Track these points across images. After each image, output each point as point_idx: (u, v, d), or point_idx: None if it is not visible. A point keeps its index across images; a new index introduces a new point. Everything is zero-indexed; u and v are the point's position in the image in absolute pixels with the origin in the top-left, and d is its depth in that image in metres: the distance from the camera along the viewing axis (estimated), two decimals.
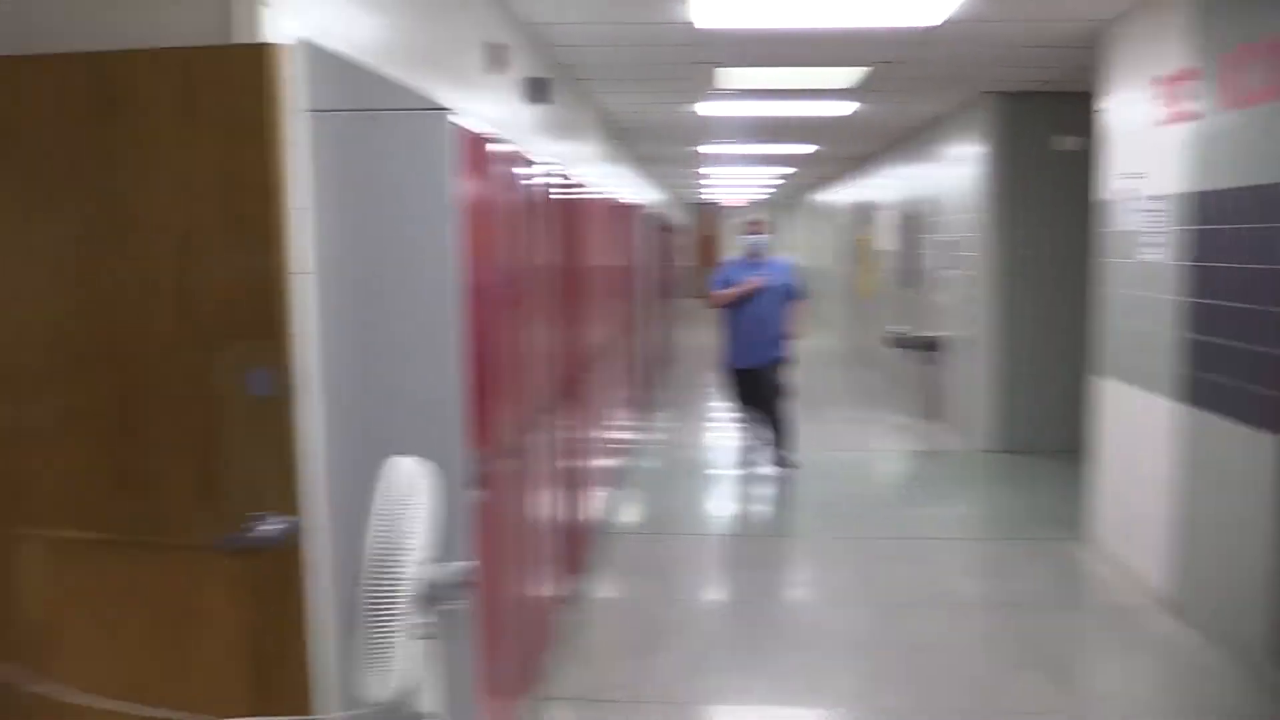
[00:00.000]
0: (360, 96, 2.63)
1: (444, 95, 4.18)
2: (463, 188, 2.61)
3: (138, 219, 2.33)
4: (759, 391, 7.39)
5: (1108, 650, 4.45)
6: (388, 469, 2.15)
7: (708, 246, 25.33)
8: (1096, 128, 5.86)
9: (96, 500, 2.37)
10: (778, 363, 7.32)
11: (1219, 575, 4.46)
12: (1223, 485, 4.42)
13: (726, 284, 7.32)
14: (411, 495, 2.13)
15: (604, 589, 5.16)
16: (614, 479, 6.62)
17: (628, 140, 11.90)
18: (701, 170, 16.71)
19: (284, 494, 2.28)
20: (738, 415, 7.84)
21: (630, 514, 6.52)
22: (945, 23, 5.66)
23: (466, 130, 2.69)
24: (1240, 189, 4.29)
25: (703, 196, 23.47)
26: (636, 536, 6.00)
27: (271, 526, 2.27)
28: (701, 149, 13.04)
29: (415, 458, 2.17)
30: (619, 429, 7.11)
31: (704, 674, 4.14)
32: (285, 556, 2.29)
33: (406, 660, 2.02)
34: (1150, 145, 5.12)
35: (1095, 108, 5.87)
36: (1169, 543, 4.92)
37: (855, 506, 6.83)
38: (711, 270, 8.77)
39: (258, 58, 2.27)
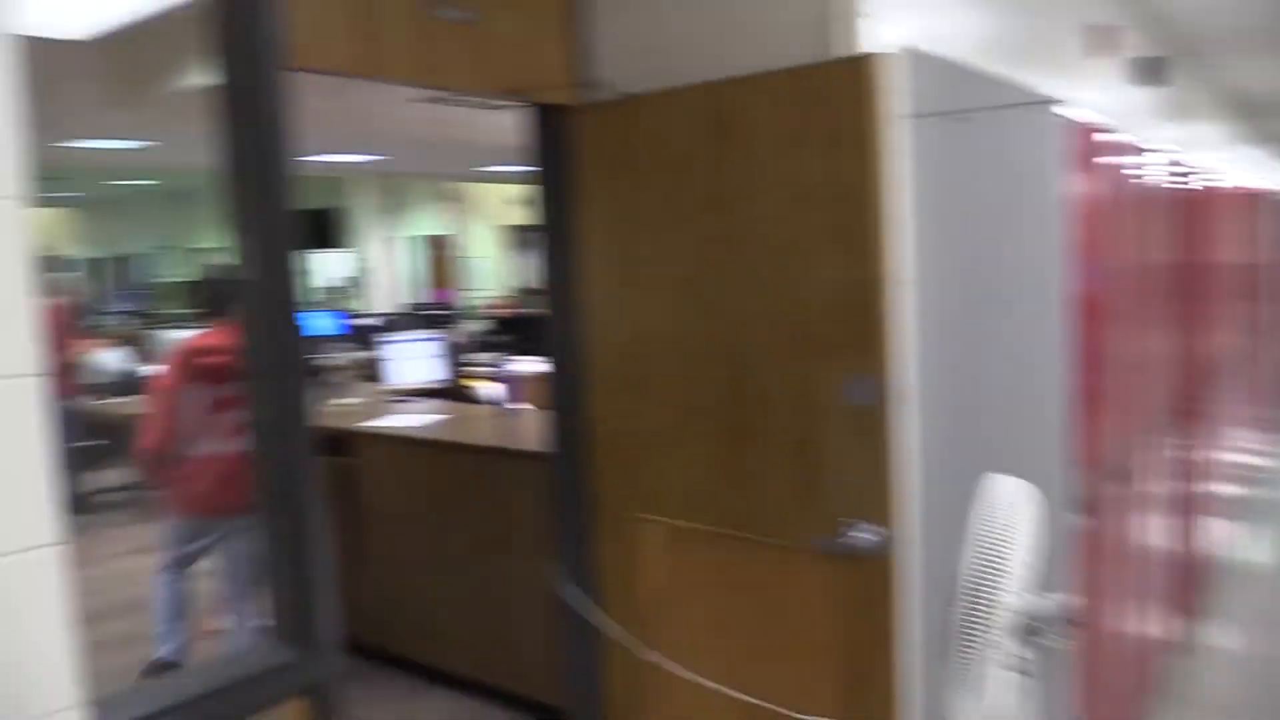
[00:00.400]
0: (959, 97, 2.54)
1: (1041, 86, 3.91)
2: (1071, 184, 2.39)
3: (748, 232, 2.49)
4: None
5: None
6: (987, 486, 2.03)
7: None
8: None
9: (709, 494, 2.58)
10: None
11: None
12: None
13: None
14: (1012, 517, 1.99)
15: (1220, 637, 4.45)
16: (1237, 510, 5.70)
17: (1257, 118, 10.24)
18: None
19: (878, 504, 2.27)
20: None
21: (1258, 552, 5.57)
22: None
23: (1073, 121, 2.47)
24: None
25: None
26: (1264, 580, 5.10)
27: (865, 535, 2.27)
28: None
29: (1016, 477, 2.03)
30: (1244, 451, 6.08)
31: None
32: (877, 567, 2.28)
33: (998, 692, 1.89)
34: None
35: None
36: None
37: None
38: None
39: (854, 69, 2.29)
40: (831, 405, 2.34)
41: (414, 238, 14.12)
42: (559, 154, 2.87)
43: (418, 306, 12.29)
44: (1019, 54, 3.64)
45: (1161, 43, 5.77)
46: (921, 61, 2.54)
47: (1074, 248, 2.39)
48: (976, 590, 1.89)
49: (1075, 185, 2.43)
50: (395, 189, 13.58)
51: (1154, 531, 3.52)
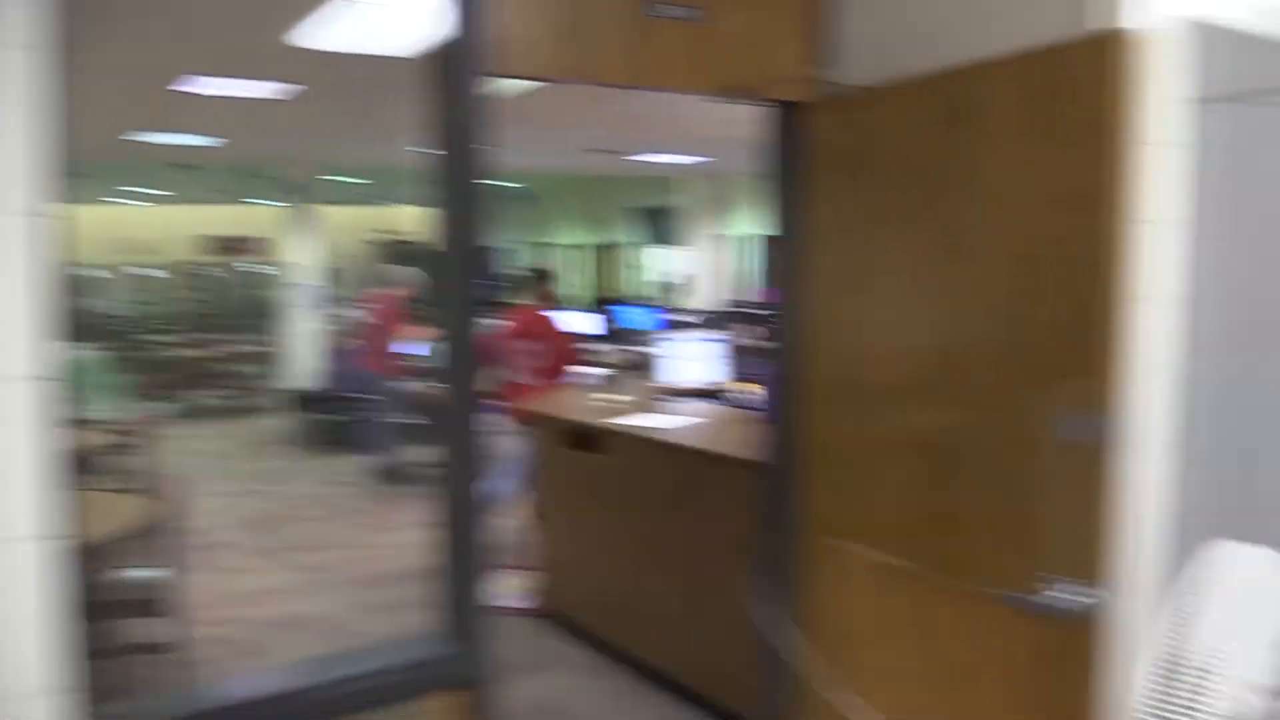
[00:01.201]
0: (1259, 77, 2.09)
1: None
2: None
3: (974, 239, 2.21)
4: None
5: None
6: (1215, 555, 1.66)
7: None
8: None
9: (910, 528, 2.34)
10: None
11: None
12: None
13: None
14: (1245, 595, 1.62)
15: None
16: None
17: None
18: None
19: (1085, 560, 1.92)
20: None
21: None
22: None
23: None
24: None
25: None
26: None
27: (1066, 595, 1.94)
28: None
29: (1256, 546, 1.64)
30: None
31: None
32: (1079, 632, 1.94)
33: None
34: None
35: None
36: None
37: None
38: None
39: (1102, 49, 1.95)
40: (1040, 441, 2.01)
41: (745, 236, 14.27)
42: (792, 153, 2.74)
43: (738, 304, 12.40)
44: None
45: None
46: (1208, 35, 2.12)
47: None
48: (1176, 679, 1.55)
49: None
50: (725, 188, 13.78)
51: None
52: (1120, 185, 1.94)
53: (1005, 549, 2.10)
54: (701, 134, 7.03)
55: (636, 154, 9.28)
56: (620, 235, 14.82)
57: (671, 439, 3.96)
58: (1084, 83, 1.96)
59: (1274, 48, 2.21)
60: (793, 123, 2.74)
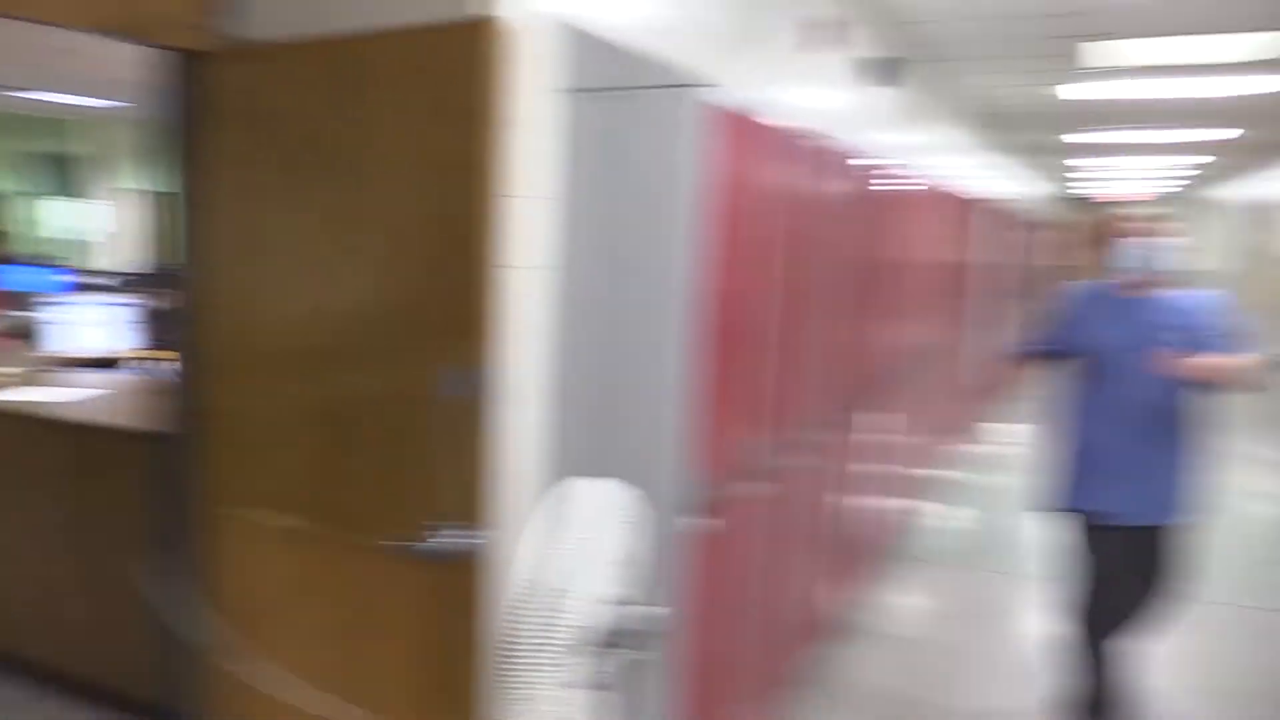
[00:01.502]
0: (609, 75, 2.41)
1: (752, 80, 3.88)
2: (712, 173, 2.30)
3: (364, 208, 2.27)
4: (1130, 583, 3.33)
5: None
6: (564, 491, 1.91)
7: (1099, 239, 22.85)
8: None
9: (312, 491, 2.37)
10: (1180, 518, 3.27)
11: None
12: None
13: (1065, 340, 3.42)
14: (595, 523, 1.88)
15: (879, 626, 4.60)
16: (910, 506, 5.94)
17: (996, 127, 10.90)
18: (1078, 161, 15.04)
19: (467, 505, 2.11)
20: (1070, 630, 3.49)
21: (927, 545, 5.81)
22: None
23: (725, 110, 2.38)
24: None
25: (1086, 189, 21.18)
26: (933, 570, 5.35)
27: (448, 539, 2.11)
28: (1078, 138, 11.66)
29: (606, 480, 1.92)
30: (927, 449, 6.20)
31: None
32: (462, 572, 2.13)
33: (557, 708, 1.77)
34: None
35: None
36: None
37: (1225, 567, 5.64)
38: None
39: (476, 34, 2.10)
40: (423, 399, 2.16)
41: (168, 192, 13.08)
42: (192, 106, 2.58)
43: (158, 265, 11.36)
44: (729, 44, 3.59)
45: (897, 44, 5.94)
46: (565, 33, 2.40)
47: (713, 240, 2.31)
48: (534, 600, 1.77)
49: (718, 176, 2.34)
50: (144, 136, 12.51)
51: (807, 529, 3.55)
52: (492, 161, 2.11)
53: (396, 501, 2.22)
54: (111, 75, 6.30)
55: (22, 90, 8.07)
56: (8, 184, 12.73)
57: (60, 414, 3.55)
58: (460, 63, 2.10)
59: (617, 51, 2.55)
60: (193, 74, 2.57)
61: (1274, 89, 7.69)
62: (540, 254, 2.33)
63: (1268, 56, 6.47)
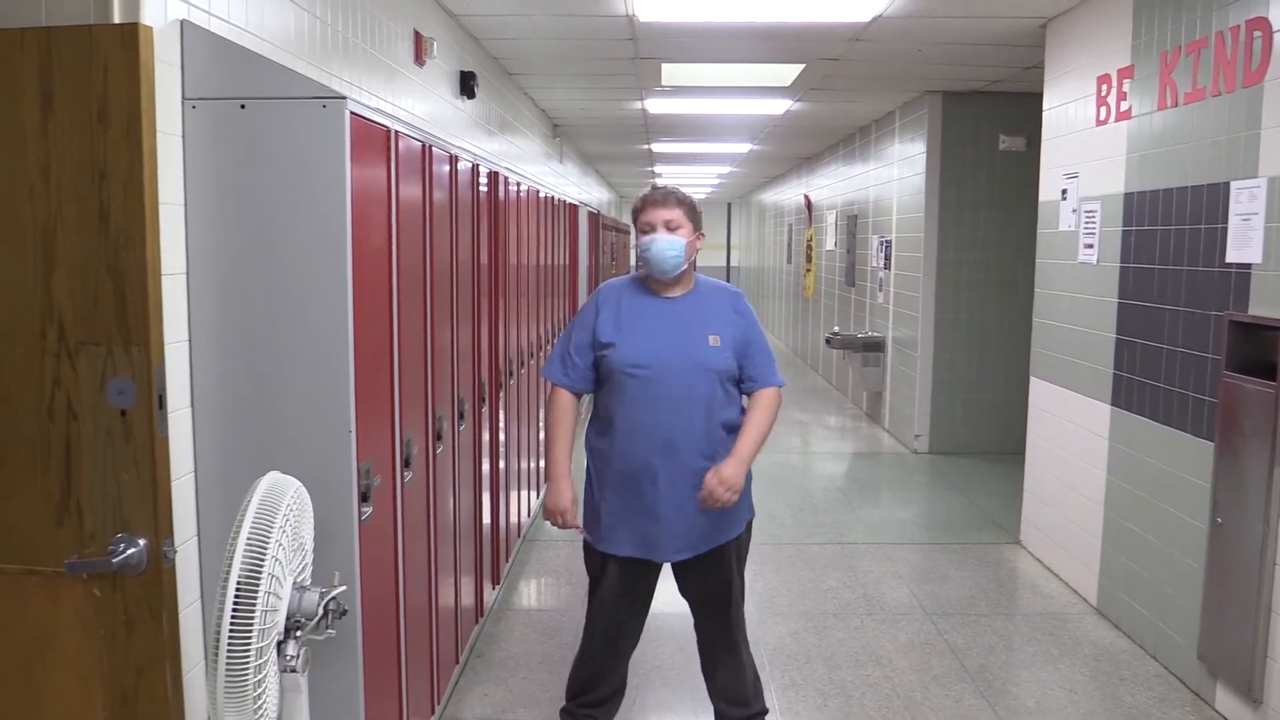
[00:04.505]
0: (248, 84, 2.44)
1: (369, 89, 4.00)
2: (357, 181, 2.43)
3: (6, 213, 2.12)
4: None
5: (1036, 660, 4.38)
6: (260, 486, 1.98)
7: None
8: (1042, 128, 5.80)
9: None
10: (729, 538, 3.16)
11: (1147, 581, 4.42)
12: (1153, 491, 4.38)
13: (591, 345, 3.14)
14: (278, 514, 1.96)
15: (524, 599, 5.01)
16: (541, 483, 6.46)
17: (572, 137, 11.73)
18: (656, 169, 16.60)
19: (147, 515, 2.08)
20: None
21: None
22: (877, 19, 5.59)
23: (362, 120, 2.52)
24: (1167, 190, 4.25)
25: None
26: (562, 544, 5.85)
27: (129, 550, 2.07)
28: (654, 147, 12.92)
29: (282, 472, 2.01)
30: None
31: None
32: (146, 582, 2.10)
33: (265, 696, 1.85)
34: (1089, 145, 5.07)
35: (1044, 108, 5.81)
36: (1100, 548, 4.88)
37: (789, 511, 6.73)
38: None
39: (122, 39, 2.07)
40: (93, 410, 2.09)
41: None
42: None
43: None
44: (345, 54, 3.67)
45: (477, 59, 6.29)
46: (205, 40, 2.41)
47: (358, 244, 2.44)
48: (234, 593, 1.83)
49: (359, 183, 2.48)
50: None
51: (456, 511, 3.79)
52: (138, 168, 2.07)
53: (63, 520, 2.11)
54: None
55: None
56: None
57: None
58: (107, 68, 2.05)
59: (252, 59, 2.59)
60: None
61: (778, 112, 9.17)
62: (180, 261, 2.33)
63: (777, 83, 7.73)
